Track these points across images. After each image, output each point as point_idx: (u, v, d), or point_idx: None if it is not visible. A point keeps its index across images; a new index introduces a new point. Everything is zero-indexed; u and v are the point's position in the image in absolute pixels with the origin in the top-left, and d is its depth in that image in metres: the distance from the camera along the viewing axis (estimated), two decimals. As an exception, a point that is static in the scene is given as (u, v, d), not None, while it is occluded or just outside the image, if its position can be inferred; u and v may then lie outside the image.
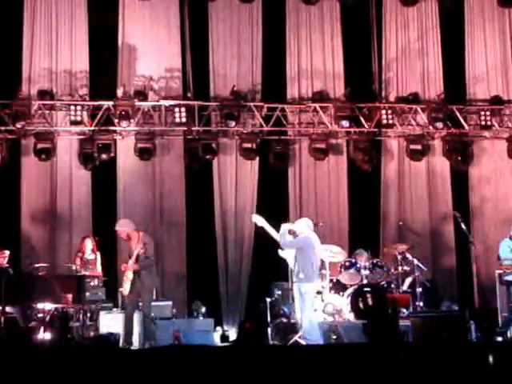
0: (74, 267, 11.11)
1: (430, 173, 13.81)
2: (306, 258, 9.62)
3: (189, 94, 13.11)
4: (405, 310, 11.05)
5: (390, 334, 8.79)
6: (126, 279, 10.03)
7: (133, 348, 9.65)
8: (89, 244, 11.51)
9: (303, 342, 9.52)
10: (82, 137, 12.91)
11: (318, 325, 9.80)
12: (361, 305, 10.82)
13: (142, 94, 13.01)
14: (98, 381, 6.31)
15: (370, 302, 10.82)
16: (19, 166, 12.80)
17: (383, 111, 13.33)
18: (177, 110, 12.86)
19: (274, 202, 13.25)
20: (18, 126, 12.50)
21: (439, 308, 11.63)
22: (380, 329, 8.87)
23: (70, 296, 10.14)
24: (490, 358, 6.70)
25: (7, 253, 10.63)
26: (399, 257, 11.74)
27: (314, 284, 9.81)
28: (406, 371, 6.60)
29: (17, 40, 12.87)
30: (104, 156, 12.86)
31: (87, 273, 10.99)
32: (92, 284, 10.72)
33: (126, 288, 10.02)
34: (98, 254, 11.53)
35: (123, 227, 10.36)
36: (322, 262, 11.38)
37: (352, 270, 11.57)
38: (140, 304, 10.13)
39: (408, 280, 11.67)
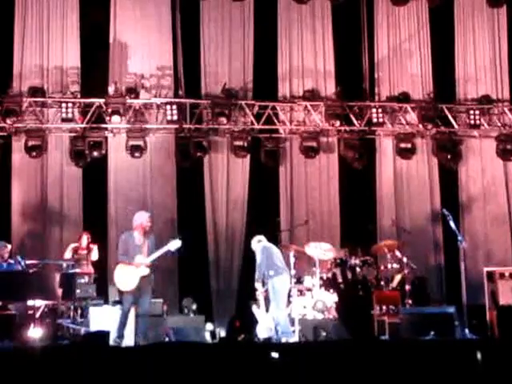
0: (65, 264, 11.13)
1: (420, 171, 13.89)
2: (270, 258, 10.20)
3: (180, 92, 13.14)
4: (394, 307, 11.10)
5: (364, 331, 8.90)
6: (135, 273, 9.84)
7: (124, 345, 9.67)
8: (84, 240, 11.59)
9: (283, 340, 9.64)
10: (73, 134, 12.92)
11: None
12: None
13: (133, 92, 13.03)
14: (88, 378, 6.33)
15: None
16: (10, 163, 12.80)
17: (374, 110, 13.39)
18: (168, 107, 12.89)
19: (265, 199, 13.31)
20: (9, 122, 12.51)
21: (428, 305, 11.70)
22: (356, 325, 9.00)
23: (60, 293, 10.16)
24: (479, 355, 6.75)
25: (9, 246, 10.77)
26: (389, 254, 11.79)
27: (284, 277, 10.14)
28: (396, 368, 6.64)
29: (8, 36, 12.85)
30: (95, 153, 12.87)
31: (79, 270, 11.02)
32: (82, 281, 10.73)
33: (133, 282, 9.80)
34: (95, 247, 11.61)
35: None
36: (313, 259, 11.46)
37: (342, 268, 11.61)
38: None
39: (397, 277, 11.72)
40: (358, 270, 11.63)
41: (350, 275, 11.54)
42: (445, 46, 13.99)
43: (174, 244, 9.92)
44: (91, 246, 11.63)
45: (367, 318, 10.34)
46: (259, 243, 10.46)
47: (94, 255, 11.61)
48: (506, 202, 13.93)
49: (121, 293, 9.96)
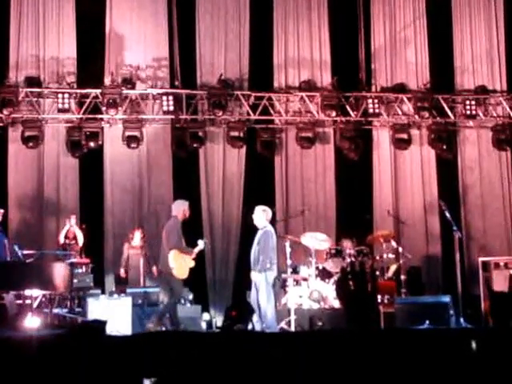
0: (61, 255, 11.17)
1: (416, 161, 13.92)
2: (270, 249, 9.64)
3: (176, 83, 13.14)
4: (389, 297, 11.16)
5: (367, 319, 8.92)
6: (188, 264, 9.96)
7: (122, 334, 9.71)
8: (72, 220, 11.69)
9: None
10: (69, 124, 12.92)
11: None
12: (351, 284, 10.92)
13: (129, 83, 13.03)
14: (85, 367, 6.36)
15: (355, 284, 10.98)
16: (6, 154, 12.80)
17: (370, 100, 13.39)
18: (164, 98, 12.88)
19: (261, 190, 13.32)
20: (5, 113, 12.50)
21: (423, 295, 11.77)
22: (359, 314, 9.00)
23: (58, 283, 10.19)
24: (473, 345, 6.79)
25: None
26: (384, 244, 11.84)
27: (275, 272, 9.84)
28: (391, 357, 6.69)
29: (4, 26, 12.83)
30: (92, 144, 12.88)
31: (75, 260, 11.07)
32: (80, 271, 10.77)
33: (187, 272, 9.95)
34: (80, 236, 11.67)
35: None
36: (308, 249, 11.50)
37: (337, 258, 11.66)
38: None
39: (393, 267, 11.79)
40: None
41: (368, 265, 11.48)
42: (442, 36, 13.99)
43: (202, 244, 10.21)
44: (76, 231, 11.66)
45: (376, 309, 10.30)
46: (266, 224, 9.75)
47: (80, 239, 11.65)
48: (502, 193, 13.96)
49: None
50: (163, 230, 10.19)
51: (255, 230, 10.41)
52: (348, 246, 11.81)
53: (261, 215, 9.83)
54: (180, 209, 10.07)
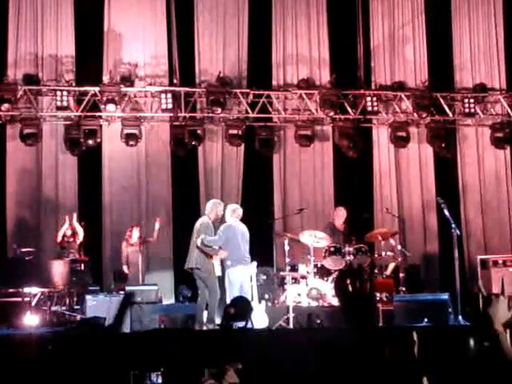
0: (61, 252, 11.19)
1: (415, 159, 13.92)
2: (232, 245, 9.85)
3: (175, 81, 13.13)
4: (388, 295, 11.15)
5: (366, 318, 8.90)
6: (216, 262, 10.11)
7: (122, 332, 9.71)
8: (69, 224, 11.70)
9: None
10: (68, 122, 12.92)
11: None
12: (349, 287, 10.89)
13: (128, 80, 13.02)
14: (84, 364, 6.36)
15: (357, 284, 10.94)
16: (5, 151, 12.79)
17: (368, 98, 13.38)
18: (163, 96, 12.88)
19: (260, 188, 13.34)
20: (4, 110, 12.49)
21: (422, 293, 11.78)
22: (358, 312, 8.98)
23: (56, 280, 10.21)
24: (471, 342, 6.79)
25: None
26: (383, 242, 11.84)
27: (238, 269, 9.96)
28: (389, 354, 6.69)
29: (2, 24, 12.82)
30: (90, 141, 12.87)
31: (74, 257, 11.07)
32: (78, 268, 10.78)
33: (219, 270, 10.11)
34: (81, 231, 11.67)
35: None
36: (307, 247, 11.50)
37: (336, 256, 11.66)
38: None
39: (391, 265, 11.79)
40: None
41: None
42: (440, 33, 13.97)
43: None
44: (76, 227, 11.69)
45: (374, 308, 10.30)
46: (230, 218, 10.10)
47: (80, 234, 11.66)
48: (501, 191, 13.97)
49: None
50: (194, 228, 10.16)
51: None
52: (343, 214, 11.79)
53: (229, 213, 10.18)
54: (214, 209, 10.15)
